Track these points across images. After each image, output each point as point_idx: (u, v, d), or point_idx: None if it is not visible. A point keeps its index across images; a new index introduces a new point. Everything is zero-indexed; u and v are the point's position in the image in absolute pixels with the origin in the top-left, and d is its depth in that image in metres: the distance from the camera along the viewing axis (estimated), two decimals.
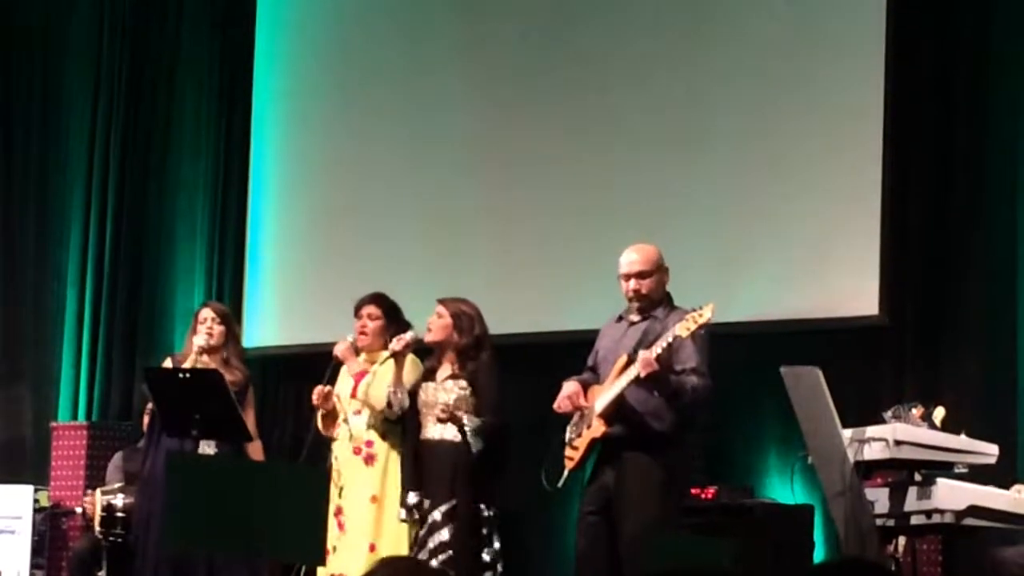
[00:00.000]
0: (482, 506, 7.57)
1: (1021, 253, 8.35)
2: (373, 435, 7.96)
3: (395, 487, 7.82)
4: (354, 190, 10.47)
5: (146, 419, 9.66)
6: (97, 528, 9.25)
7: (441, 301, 7.86)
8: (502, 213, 9.88)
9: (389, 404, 7.79)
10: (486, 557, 7.57)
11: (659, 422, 7.11)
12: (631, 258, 7.33)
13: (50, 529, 10.41)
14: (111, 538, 9.19)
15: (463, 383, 7.67)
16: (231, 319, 8.57)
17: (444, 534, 7.51)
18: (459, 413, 7.58)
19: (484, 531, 7.56)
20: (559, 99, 9.78)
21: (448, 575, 6.98)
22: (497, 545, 7.59)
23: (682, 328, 6.94)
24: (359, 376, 8.02)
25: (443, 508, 7.54)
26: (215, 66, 11.15)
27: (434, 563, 7.35)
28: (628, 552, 6.99)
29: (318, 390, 8.03)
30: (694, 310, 6.99)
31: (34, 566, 10.21)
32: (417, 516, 7.64)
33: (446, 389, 7.68)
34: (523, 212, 9.81)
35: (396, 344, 7.82)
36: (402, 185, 10.25)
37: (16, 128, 11.72)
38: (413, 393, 7.77)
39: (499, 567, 7.61)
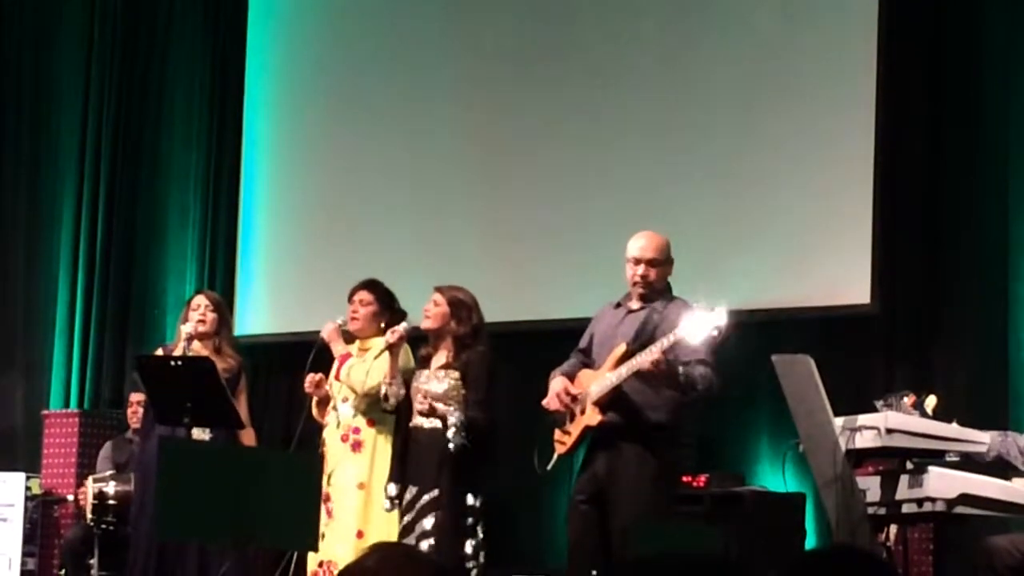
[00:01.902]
0: (468, 495, 7.50)
1: (1012, 242, 8.37)
2: (360, 422, 7.95)
3: (382, 474, 7.77)
4: (346, 179, 10.47)
5: (130, 411, 9.70)
6: (89, 516, 9.25)
7: (438, 288, 7.81)
8: (494, 202, 9.89)
9: (386, 397, 7.77)
10: (469, 547, 7.46)
11: (655, 413, 7.04)
12: (642, 244, 7.20)
13: (42, 517, 10.41)
14: (103, 526, 9.19)
15: (455, 373, 7.63)
16: (224, 307, 8.56)
17: (429, 521, 7.48)
18: (441, 407, 7.53)
19: (469, 520, 7.49)
20: (550, 91, 9.78)
21: (440, 561, 6.95)
22: (480, 535, 7.52)
23: (692, 336, 6.84)
24: (343, 358, 8.02)
25: (430, 495, 7.51)
26: (207, 55, 11.13)
27: (422, 547, 7.34)
28: (619, 541, 6.97)
29: (310, 378, 8.03)
30: (711, 310, 6.85)
31: (26, 554, 10.21)
32: (397, 505, 7.62)
33: (439, 378, 7.65)
34: (515, 201, 9.81)
35: (391, 336, 7.78)
36: (394, 174, 10.25)
37: (7, 116, 11.71)
38: (408, 381, 7.75)
39: (481, 557, 7.53)
